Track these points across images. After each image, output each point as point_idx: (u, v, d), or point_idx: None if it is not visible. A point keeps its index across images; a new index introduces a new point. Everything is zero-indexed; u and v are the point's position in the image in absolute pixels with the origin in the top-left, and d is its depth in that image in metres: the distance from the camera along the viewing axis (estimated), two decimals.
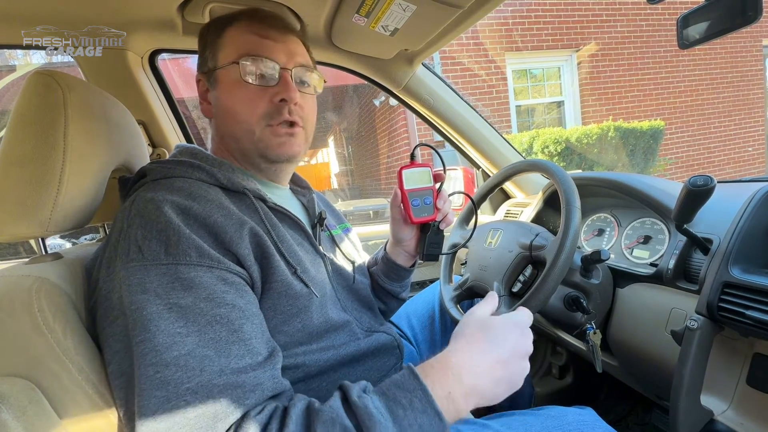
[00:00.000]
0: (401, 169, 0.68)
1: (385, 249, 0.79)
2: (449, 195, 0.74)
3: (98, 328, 0.47)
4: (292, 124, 0.61)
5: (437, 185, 0.70)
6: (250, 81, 0.58)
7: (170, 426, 0.39)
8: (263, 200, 0.60)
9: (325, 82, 0.68)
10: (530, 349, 0.51)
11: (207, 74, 0.62)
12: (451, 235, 1.02)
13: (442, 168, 0.71)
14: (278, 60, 0.59)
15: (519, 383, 0.49)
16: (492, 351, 0.48)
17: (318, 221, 0.69)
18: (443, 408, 0.43)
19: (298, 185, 0.75)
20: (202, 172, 0.57)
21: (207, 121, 0.67)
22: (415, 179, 0.68)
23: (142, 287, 0.44)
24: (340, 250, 0.73)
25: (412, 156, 0.70)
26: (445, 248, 0.77)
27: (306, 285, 0.57)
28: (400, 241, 0.74)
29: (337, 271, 0.68)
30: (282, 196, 0.69)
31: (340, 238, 0.76)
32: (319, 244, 0.67)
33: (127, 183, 0.60)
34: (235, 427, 0.41)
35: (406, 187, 0.68)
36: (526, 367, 0.50)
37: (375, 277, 0.78)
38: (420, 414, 0.42)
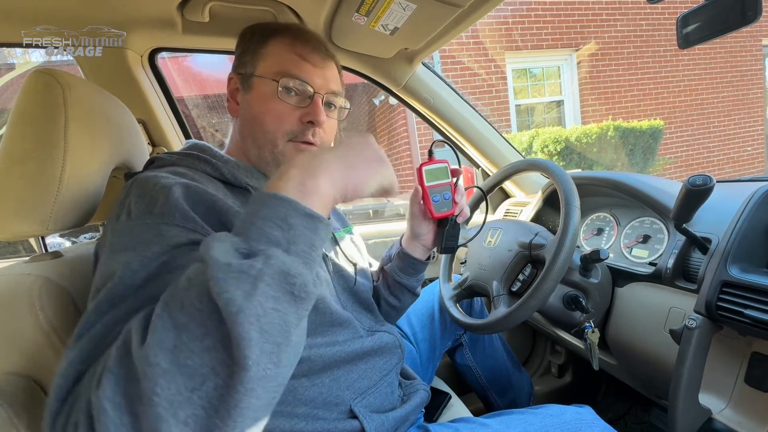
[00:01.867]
0: (421, 166, 0.70)
1: (400, 244, 0.80)
2: (466, 189, 0.76)
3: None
4: (312, 143, 0.64)
5: (454, 180, 0.71)
6: (284, 98, 0.61)
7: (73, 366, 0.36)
8: None
9: (348, 108, 0.71)
10: (382, 155, 0.50)
11: (242, 76, 0.65)
12: None
13: (458, 163, 0.73)
14: (314, 84, 0.63)
15: (380, 174, 0.48)
16: (335, 149, 0.46)
17: None
18: (283, 188, 0.39)
19: None
20: (207, 165, 0.59)
21: (207, 119, 0.68)
22: (435, 175, 0.70)
23: (121, 242, 0.43)
24: (342, 252, 0.74)
25: (430, 153, 0.71)
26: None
27: None
28: (418, 235, 0.75)
29: (338, 272, 0.69)
30: None
31: (342, 240, 0.76)
32: None
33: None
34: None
35: (426, 183, 0.69)
36: (383, 161, 0.49)
37: (391, 275, 0.79)
38: (263, 218, 0.36)
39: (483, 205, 0.90)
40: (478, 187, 0.91)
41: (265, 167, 0.65)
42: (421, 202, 0.71)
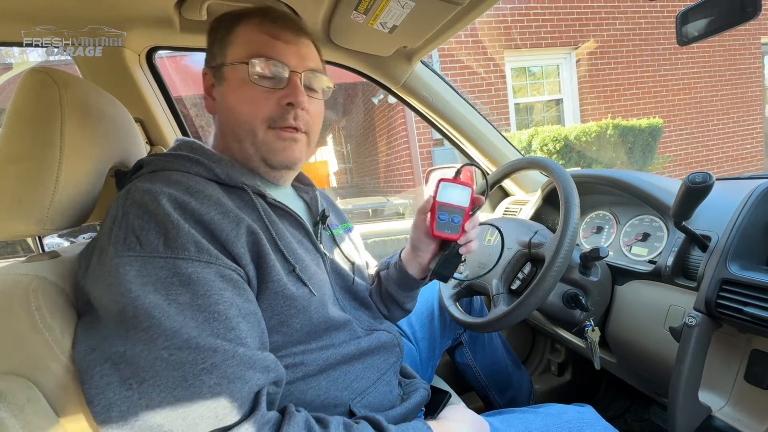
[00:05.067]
0: (441, 180, 0.66)
1: (399, 255, 0.77)
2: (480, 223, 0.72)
3: (81, 312, 0.46)
4: (295, 129, 0.60)
5: (472, 209, 0.67)
6: (258, 82, 0.57)
7: (187, 404, 0.40)
8: (262, 196, 0.59)
9: (332, 87, 0.67)
10: None
11: (214, 69, 0.61)
12: None
13: (486, 193, 0.70)
14: (288, 62, 0.59)
15: None
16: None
17: (320, 219, 0.69)
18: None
19: (300, 182, 0.75)
20: (200, 166, 0.56)
21: (205, 118, 0.67)
22: (452, 195, 0.66)
23: (141, 279, 0.43)
24: (340, 250, 0.72)
25: (458, 172, 0.68)
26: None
27: (304, 284, 0.56)
28: (417, 249, 0.72)
29: (336, 271, 0.68)
30: (283, 194, 0.68)
31: (341, 238, 0.75)
32: (320, 243, 0.66)
33: (124, 176, 0.59)
34: (248, 410, 0.44)
35: (439, 198, 0.66)
36: None
37: (384, 283, 0.77)
38: None
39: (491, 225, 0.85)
40: (498, 229, 0.82)
41: (251, 163, 0.62)
42: (428, 214, 0.68)
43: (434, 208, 0.66)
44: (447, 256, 0.68)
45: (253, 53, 0.57)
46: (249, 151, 0.60)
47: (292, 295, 0.54)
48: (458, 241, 0.67)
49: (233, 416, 0.42)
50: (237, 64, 0.58)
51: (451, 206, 0.66)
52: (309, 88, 0.62)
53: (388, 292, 0.76)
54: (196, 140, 0.62)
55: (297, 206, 0.68)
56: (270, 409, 0.48)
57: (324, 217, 0.69)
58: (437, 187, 0.66)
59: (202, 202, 0.50)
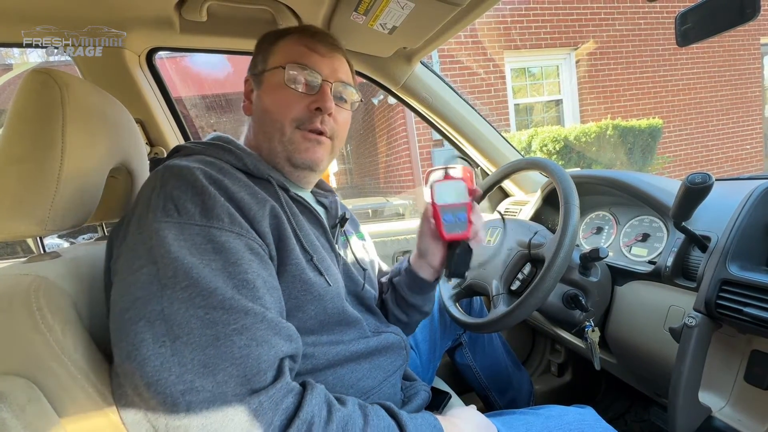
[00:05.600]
0: (434, 183, 0.67)
1: (408, 261, 0.78)
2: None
3: (114, 279, 0.48)
4: (321, 132, 0.64)
5: (472, 201, 0.67)
6: (292, 86, 0.62)
7: (217, 363, 0.42)
8: (285, 190, 0.62)
9: (361, 100, 0.72)
10: None
11: (255, 76, 0.67)
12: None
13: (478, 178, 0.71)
14: (321, 72, 0.63)
15: None
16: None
17: (339, 222, 0.71)
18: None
19: (320, 188, 0.77)
20: (231, 155, 0.60)
21: (205, 119, 0.68)
22: (449, 194, 0.66)
23: (178, 242, 0.46)
24: (354, 256, 0.73)
25: (446, 170, 0.68)
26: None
27: (321, 273, 0.58)
28: (425, 255, 0.73)
29: (347, 274, 0.68)
30: (304, 196, 0.69)
31: (356, 244, 0.76)
32: (336, 244, 0.67)
33: (160, 161, 0.62)
34: (274, 377, 0.45)
35: (438, 202, 0.66)
36: None
37: (398, 290, 0.78)
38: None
39: (481, 203, 0.87)
40: (501, 214, 0.83)
41: (276, 163, 0.65)
42: (431, 219, 0.68)
43: (436, 212, 0.66)
44: (460, 255, 0.68)
45: (289, 60, 0.63)
46: (276, 148, 0.64)
47: (309, 281, 0.56)
48: (469, 237, 0.67)
49: (260, 379, 0.43)
50: (275, 69, 0.64)
51: (452, 205, 0.66)
52: (338, 98, 0.66)
53: (404, 298, 0.77)
54: (230, 136, 0.66)
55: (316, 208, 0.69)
56: None
57: (343, 220, 0.71)
58: (432, 191, 0.66)
59: (233, 182, 0.53)
